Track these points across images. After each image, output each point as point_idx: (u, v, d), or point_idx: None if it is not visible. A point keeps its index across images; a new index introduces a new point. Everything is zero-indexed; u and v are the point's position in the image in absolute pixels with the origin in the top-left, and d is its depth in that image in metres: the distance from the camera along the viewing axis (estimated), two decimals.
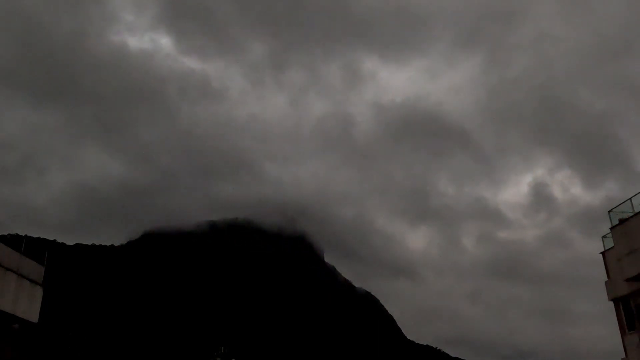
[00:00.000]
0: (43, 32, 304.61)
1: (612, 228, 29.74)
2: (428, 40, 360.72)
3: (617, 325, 30.56)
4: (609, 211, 30.09)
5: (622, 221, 28.77)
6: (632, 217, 28.01)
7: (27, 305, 23.42)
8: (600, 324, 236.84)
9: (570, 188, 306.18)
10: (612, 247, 30.70)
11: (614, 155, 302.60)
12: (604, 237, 32.23)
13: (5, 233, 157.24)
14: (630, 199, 28.72)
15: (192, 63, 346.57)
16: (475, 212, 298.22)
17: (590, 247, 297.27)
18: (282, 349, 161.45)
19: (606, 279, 31.72)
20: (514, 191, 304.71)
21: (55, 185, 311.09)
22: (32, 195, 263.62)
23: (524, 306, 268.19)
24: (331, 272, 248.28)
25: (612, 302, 30.99)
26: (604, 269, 31.98)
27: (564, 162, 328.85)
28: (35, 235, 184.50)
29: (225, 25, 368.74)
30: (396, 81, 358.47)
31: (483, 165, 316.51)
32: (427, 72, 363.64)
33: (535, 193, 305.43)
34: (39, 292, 24.47)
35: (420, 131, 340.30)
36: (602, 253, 32.41)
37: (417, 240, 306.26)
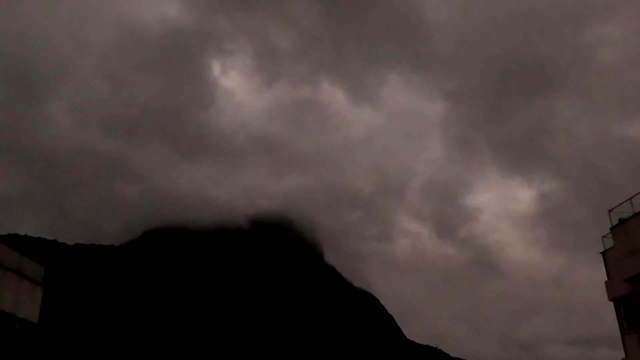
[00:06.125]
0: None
1: (612, 228, 29.56)
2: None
3: (618, 325, 30.52)
4: (609, 211, 29.89)
5: (622, 221, 28.60)
6: (632, 217, 27.89)
7: (27, 305, 23.37)
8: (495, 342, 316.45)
9: (438, 246, 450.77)
10: (612, 247, 30.56)
11: (460, 217, 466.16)
12: (603, 237, 31.98)
13: (5, 233, 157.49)
14: (630, 199, 28.55)
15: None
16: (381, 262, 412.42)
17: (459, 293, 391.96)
18: (282, 349, 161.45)
19: (606, 278, 31.65)
20: (399, 249, 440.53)
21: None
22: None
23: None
24: (331, 272, 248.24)
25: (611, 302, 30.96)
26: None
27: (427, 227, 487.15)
28: (35, 235, 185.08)
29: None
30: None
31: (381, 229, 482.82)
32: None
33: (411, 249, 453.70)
34: (39, 292, 24.43)
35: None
36: (602, 253, 32.27)
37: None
